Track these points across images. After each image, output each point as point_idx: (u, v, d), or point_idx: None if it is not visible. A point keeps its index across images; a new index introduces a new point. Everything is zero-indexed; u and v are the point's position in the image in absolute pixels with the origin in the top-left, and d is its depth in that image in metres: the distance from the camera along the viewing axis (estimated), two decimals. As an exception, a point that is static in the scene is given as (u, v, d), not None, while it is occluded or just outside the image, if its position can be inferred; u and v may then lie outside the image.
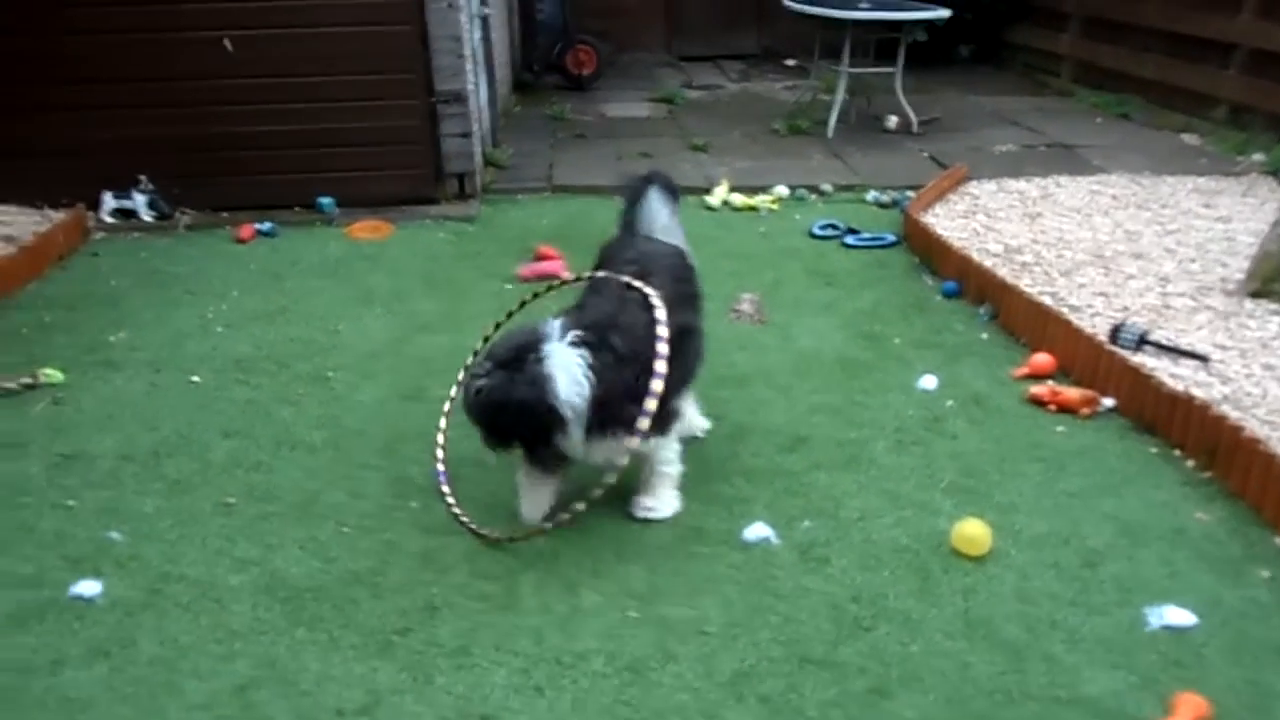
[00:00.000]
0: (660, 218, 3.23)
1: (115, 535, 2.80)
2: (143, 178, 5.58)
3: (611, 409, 2.59)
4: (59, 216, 5.36)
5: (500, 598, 2.54)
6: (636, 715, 2.17)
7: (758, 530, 2.77)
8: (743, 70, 10.02)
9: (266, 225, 5.47)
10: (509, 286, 4.70)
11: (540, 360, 2.52)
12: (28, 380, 3.65)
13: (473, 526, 2.80)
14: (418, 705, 2.19)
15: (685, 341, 2.83)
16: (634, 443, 2.64)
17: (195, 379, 3.77)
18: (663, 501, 2.90)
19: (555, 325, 2.63)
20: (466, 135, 5.80)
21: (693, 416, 3.25)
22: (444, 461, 3.05)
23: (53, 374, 3.72)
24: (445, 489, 2.95)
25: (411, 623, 2.45)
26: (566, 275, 4.79)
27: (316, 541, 2.77)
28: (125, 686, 2.26)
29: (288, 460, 3.20)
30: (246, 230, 5.41)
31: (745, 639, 2.39)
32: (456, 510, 2.86)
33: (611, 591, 2.56)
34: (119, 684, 2.27)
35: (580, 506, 2.70)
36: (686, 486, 3.02)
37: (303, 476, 3.09)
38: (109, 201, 5.57)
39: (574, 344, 2.57)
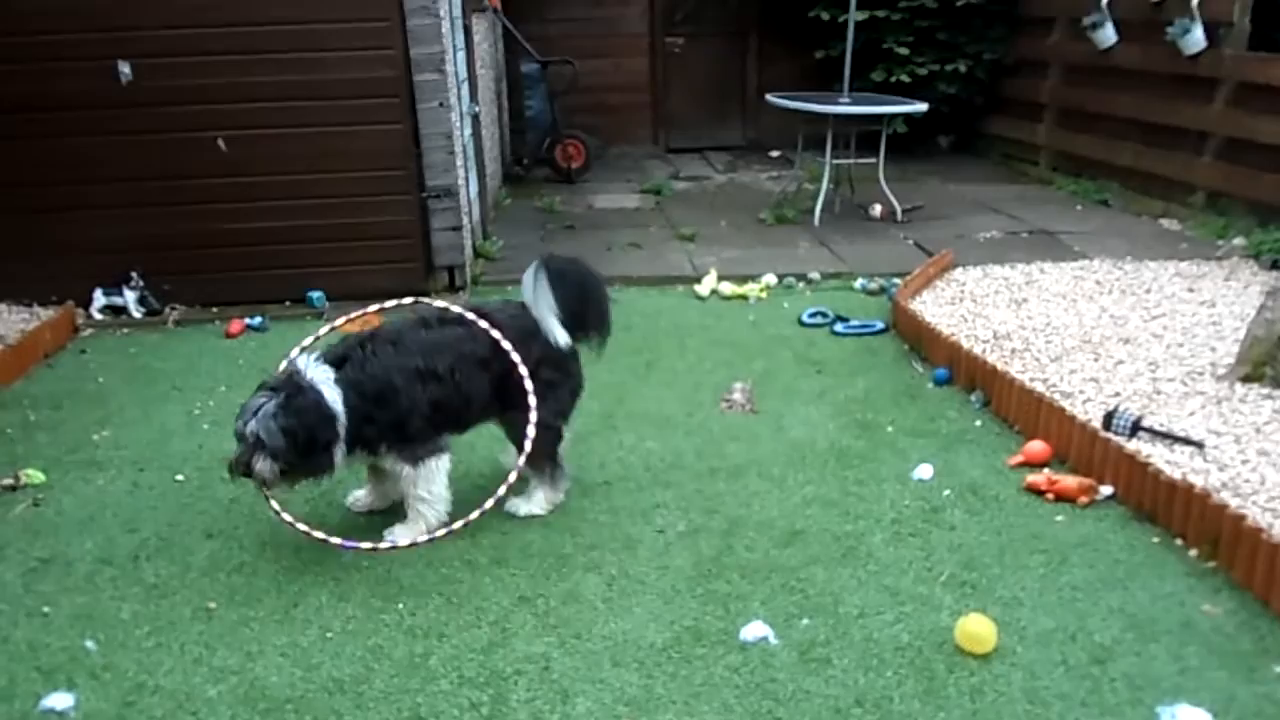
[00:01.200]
0: (526, 290, 3.40)
1: (90, 644, 2.70)
2: (134, 274, 5.59)
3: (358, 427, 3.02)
4: (48, 314, 5.35)
5: (489, 706, 2.44)
6: (634, 832, 2.07)
7: (755, 630, 2.69)
8: (729, 161, 10.20)
9: (256, 319, 5.46)
10: (499, 379, 4.66)
11: (304, 380, 2.98)
12: (9, 482, 3.59)
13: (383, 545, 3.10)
14: (403, 825, 2.09)
15: (424, 382, 3.10)
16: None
17: (179, 478, 3.70)
18: (402, 531, 3.19)
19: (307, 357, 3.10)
20: (457, 229, 5.84)
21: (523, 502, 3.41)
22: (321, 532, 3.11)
23: (34, 475, 3.65)
24: (360, 544, 3.08)
25: (397, 735, 2.35)
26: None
27: (299, 648, 2.68)
28: (95, 809, 2.15)
29: (271, 561, 3.11)
30: (236, 325, 5.40)
31: (746, 747, 2.30)
32: (364, 546, 3.07)
33: (605, 699, 2.47)
34: (89, 806, 2.16)
35: (474, 515, 3.10)
36: (681, 585, 2.95)
37: (286, 579, 3.01)
38: (99, 298, 5.57)
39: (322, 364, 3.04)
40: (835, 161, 7.25)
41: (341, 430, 2.98)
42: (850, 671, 2.56)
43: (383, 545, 3.10)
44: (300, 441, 2.89)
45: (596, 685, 2.52)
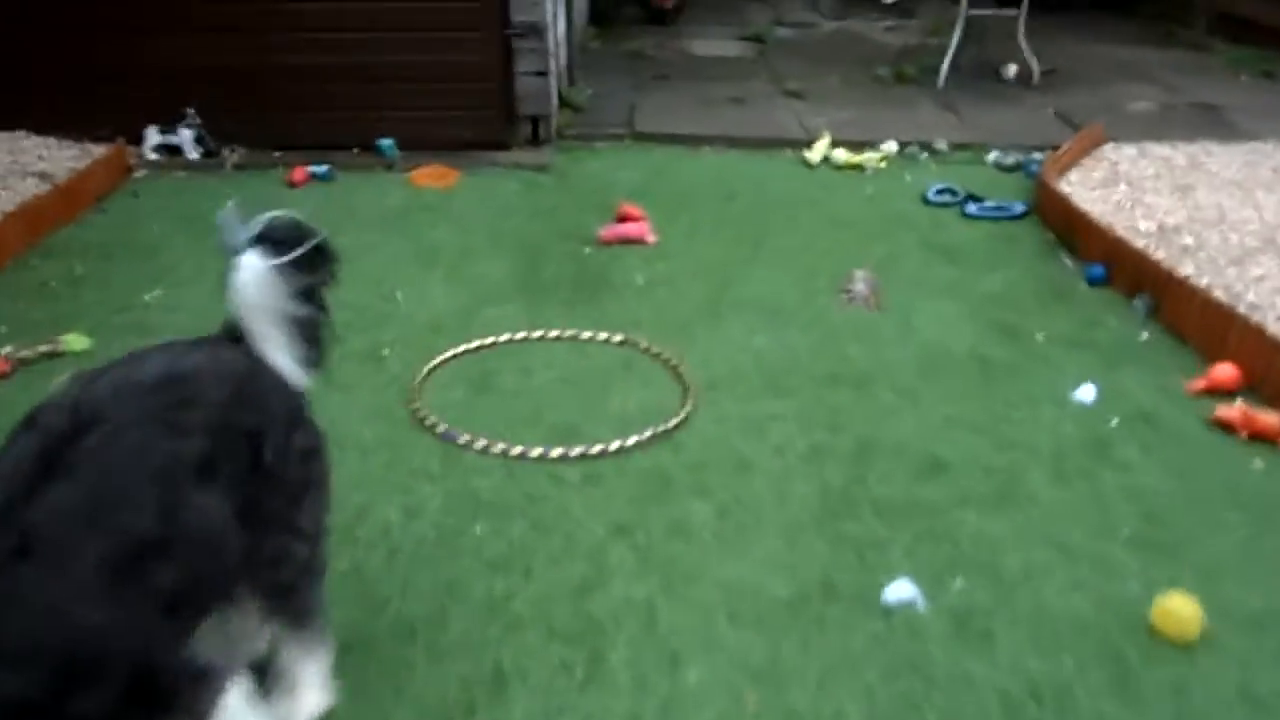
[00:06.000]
0: (253, 299, 1.76)
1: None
2: (190, 110, 5.11)
3: None
4: (99, 151, 4.93)
5: (584, 667, 2.05)
6: None
7: (900, 590, 2.24)
8: (838, 7, 9.24)
9: (322, 168, 4.98)
10: (588, 250, 4.17)
11: None
12: (47, 348, 3.23)
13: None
14: (484, 824, 1.73)
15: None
16: None
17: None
18: None
19: None
20: (543, 74, 5.24)
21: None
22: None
23: (74, 341, 3.29)
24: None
25: (477, 697, 1.97)
26: (651, 239, 4.28)
27: (360, 574, 2.31)
28: None
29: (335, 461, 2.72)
30: (299, 173, 4.94)
31: (897, 748, 1.89)
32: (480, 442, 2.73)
33: (723, 666, 2.06)
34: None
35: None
36: (806, 521, 2.50)
37: (350, 484, 2.61)
38: (153, 136, 5.12)
39: None
40: (972, 12, 6.37)
41: None
42: (1020, 652, 2.11)
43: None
44: None
45: (712, 650, 2.10)
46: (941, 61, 6.49)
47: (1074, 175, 4.89)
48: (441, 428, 2.84)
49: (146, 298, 3.69)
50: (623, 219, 4.40)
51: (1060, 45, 7.48)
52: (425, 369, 3.18)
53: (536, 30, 5.11)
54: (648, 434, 2.81)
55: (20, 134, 5.04)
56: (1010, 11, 6.42)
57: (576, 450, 2.73)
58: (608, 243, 4.22)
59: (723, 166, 5.23)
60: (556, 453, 2.73)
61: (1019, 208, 4.61)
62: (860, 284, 3.82)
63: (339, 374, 3.14)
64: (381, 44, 5.07)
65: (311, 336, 1.84)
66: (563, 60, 6.03)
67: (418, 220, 4.48)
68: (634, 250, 4.16)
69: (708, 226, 4.44)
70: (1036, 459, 2.77)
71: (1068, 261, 4.11)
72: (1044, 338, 3.47)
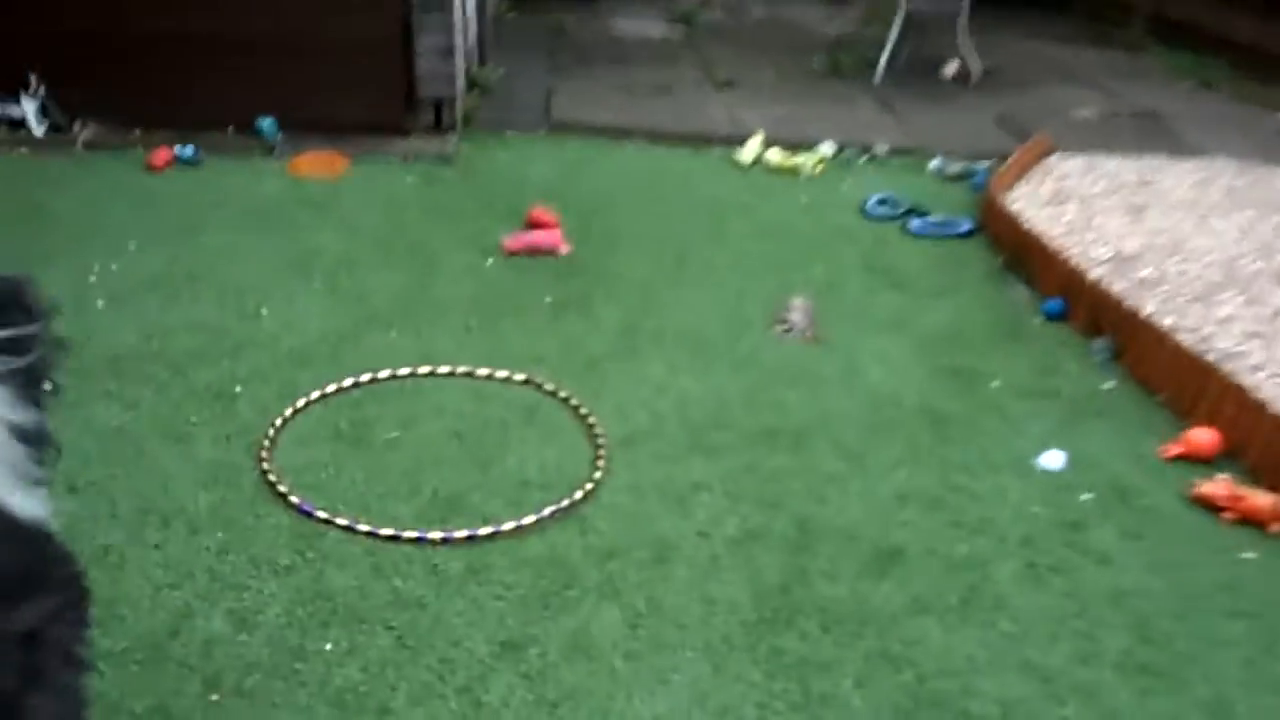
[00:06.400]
0: None
1: None
2: (33, 77, 4.41)
3: None
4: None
5: None
6: None
7: (856, 744, 1.81)
8: (769, -9, 8.78)
9: (188, 150, 4.35)
10: (490, 261, 3.65)
11: None
12: None
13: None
14: None
15: None
16: None
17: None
18: None
19: None
20: (448, 52, 4.66)
21: None
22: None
23: None
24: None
25: None
26: (563, 249, 3.78)
27: (164, 713, 1.78)
28: None
29: (148, 546, 2.17)
30: (161, 154, 4.30)
31: None
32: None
33: None
34: None
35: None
36: (735, 634, 2.06)
37: (165, 579, 2.08)
38: (-11, 106, 4.41)
39: None
40: (912, 5, 5.97)
41: None
42: (1000, 832, 1.70)
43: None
44: None
45: (617, 833, 1.65)
46: (878, 53, 6.08)
47: (1021, 189, 4.53)
48: (297, 497, 2.31)
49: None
50: (532, 225, 3.88)
51: (995, 41, 7.13)
52: (285, 414, 2.64)
53: (440, 4, 4.53)
54: (548, 510, 2.33)
55: None
56: (950, 6, 6.04)
57: (461, 533, 2.24)
58: (514, 253, 3.71)
59: (646, 164, 4.74)
60: (436, 534, 2.23)
61: (965, 225, 4.23)
62: (797, 312, 3.39)
63: (174, 418, 2.60)
64: (264, 9, 4.43)
65: (41, 439, 1.24)
66: (472, 36, 5.45)
67: (296, 218, 3.90)
68: (543, 263, 3.66)
69: (628, 236, 3.96)
70: (1003, 548, 2.38)
71: (1020, 289, 3.75)
72: (999, 385, 3.09)
